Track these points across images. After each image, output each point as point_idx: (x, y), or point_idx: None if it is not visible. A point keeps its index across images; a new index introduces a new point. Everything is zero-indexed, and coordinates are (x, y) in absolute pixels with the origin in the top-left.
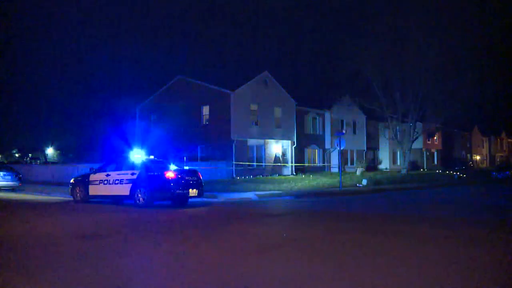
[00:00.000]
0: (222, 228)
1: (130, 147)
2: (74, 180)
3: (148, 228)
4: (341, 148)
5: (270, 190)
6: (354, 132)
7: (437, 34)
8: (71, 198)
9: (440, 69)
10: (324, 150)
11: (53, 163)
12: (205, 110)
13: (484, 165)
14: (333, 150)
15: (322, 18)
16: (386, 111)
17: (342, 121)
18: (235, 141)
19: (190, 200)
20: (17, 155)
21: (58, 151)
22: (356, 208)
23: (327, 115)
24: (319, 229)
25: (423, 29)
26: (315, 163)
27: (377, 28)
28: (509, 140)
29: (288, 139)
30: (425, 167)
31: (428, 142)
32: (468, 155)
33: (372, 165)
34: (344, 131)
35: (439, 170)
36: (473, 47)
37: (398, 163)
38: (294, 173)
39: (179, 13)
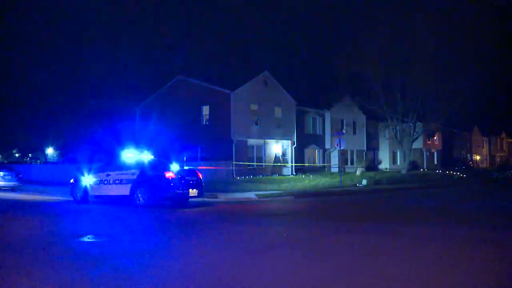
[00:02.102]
0: (221, 228)
1: (130, 147)
2: (74, 180)
3: (147, 228)
4: (341, 148)
5: (270, 190)
6: (354, 132)
7: (437, 34)
8: (71, 198)
9: (440, 69)
10: (324, 150)
11: (53, 163)
12: (205, 110)
13: (484, 165)
14: (333, 150)
15: (323, 18)
16: (386, 111)
17: (342, 121)
18: (235, 141)
19: (190, 200)
20: (17, 155)
21: (58, 151)
22: (356, 208)
23: (327, 115)
24: (319, 229)
25: (424, 29)
26: (315, 163)
27: (377, 28)
28: (509, 140)
29: (288, 139)
30: (425, 167)
31: (428, 142)
32: (468, 155)
33: (372, 165)
34: (344, 131)
35: (439, 170)
36: (473, 48)
37: (398, 163)
38: (294, 173)
39: (179, 13)
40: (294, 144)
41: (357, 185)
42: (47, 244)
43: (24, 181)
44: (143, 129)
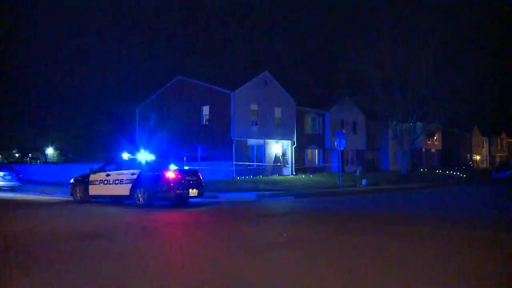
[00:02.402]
0: (222, 228)
1: (130, 147)
2: (74, 180)
3: (148, 228)
4: (341, 148)
5: (270, 190)
6: (354, 132)
7: (437, 34)
8: (71, 198)
9: (440, 69)
10: (324, 150)
11: (53, 163)
12: (205, 110)
13: (484, 165)
14: (333, 150)
15: (323, 18)
16: (386, 111)
17: (342, 121)
18: (235, 141)
19: (190, 200)
20: (17, 155)
21: (58, 151)
22: (356, 209)
23: (327, 115)
24: (319, 230)
25: (424, 29)
26: (315, 163)
27: (377, 28)
28: (509, 140)
29: (288, 139)
30: (425, 167)
31: (428, 142)
32: (468, 155)
33: (372, 165)
34: (344, 131)
35: (439, 170)
36: (473, 47)
37: (398, 163)
38: (294, 173)
39: (180, 13)
40: (294, 144)
41: (357, 185)
42: (47, 244)
43: (24, 181)
44: (143, 129)
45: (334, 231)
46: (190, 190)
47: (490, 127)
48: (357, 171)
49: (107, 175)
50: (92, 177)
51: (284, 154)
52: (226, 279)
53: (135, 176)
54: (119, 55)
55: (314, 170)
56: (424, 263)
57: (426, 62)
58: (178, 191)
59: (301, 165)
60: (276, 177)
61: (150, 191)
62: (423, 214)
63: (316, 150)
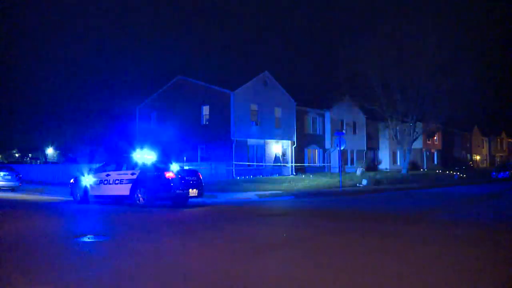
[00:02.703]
0: (222, 228)
1: (130, 147)
2: (74, 180)
3: (147, 228)
4: (341, 148)
5: (270, 190)
6: (354, 132)
7: (437, 34)
8: (71, 198)
9: (440, 69)
10: (324, 150)
11: (53, 163)
12: (205, 110)
13: (484, 165)
14: (333, 150)
15: (323, 18)
16: (386, 111)
17: (342, 121)
18: (235, 141)
19: (190, 200)
20: (17, 155)
21: (58, 151)
22: (356, 208)
23: (327, 115)
24: (319, 230)
25: (424, 29)
26: (315, 163)
27: (377, 28)
28: (509, 140)
29: (288, 139)
30: (425, 167)
31: (428, 142)
32: (468, 155)
33: (372, 165)
34: (344, 131)
35: (439, 170)
36: (473, 47)
37: (398, 163)
38: (294, 173)
39: (179, 13)
40: (294, 144)
41: (357, 185)
42: (47, 244)
43: (24, 181)
44: (143, 129)
45: (334, 231)
46: (190, 190)
47: (490, 127)
48: (357, 171)
49: (107, 175)
50: (92, 177)
51: (284, 154)
52: (227, 279)
53: (135, 176)
54: (119, 55)
55: (314, 170)
56: (423, 262)
57: (426, 62)
58: (178, 191)
59: (301, 165)
60: (276, 177)
61: (150, 191)
62: (423, 214)
63: (316, 150)
